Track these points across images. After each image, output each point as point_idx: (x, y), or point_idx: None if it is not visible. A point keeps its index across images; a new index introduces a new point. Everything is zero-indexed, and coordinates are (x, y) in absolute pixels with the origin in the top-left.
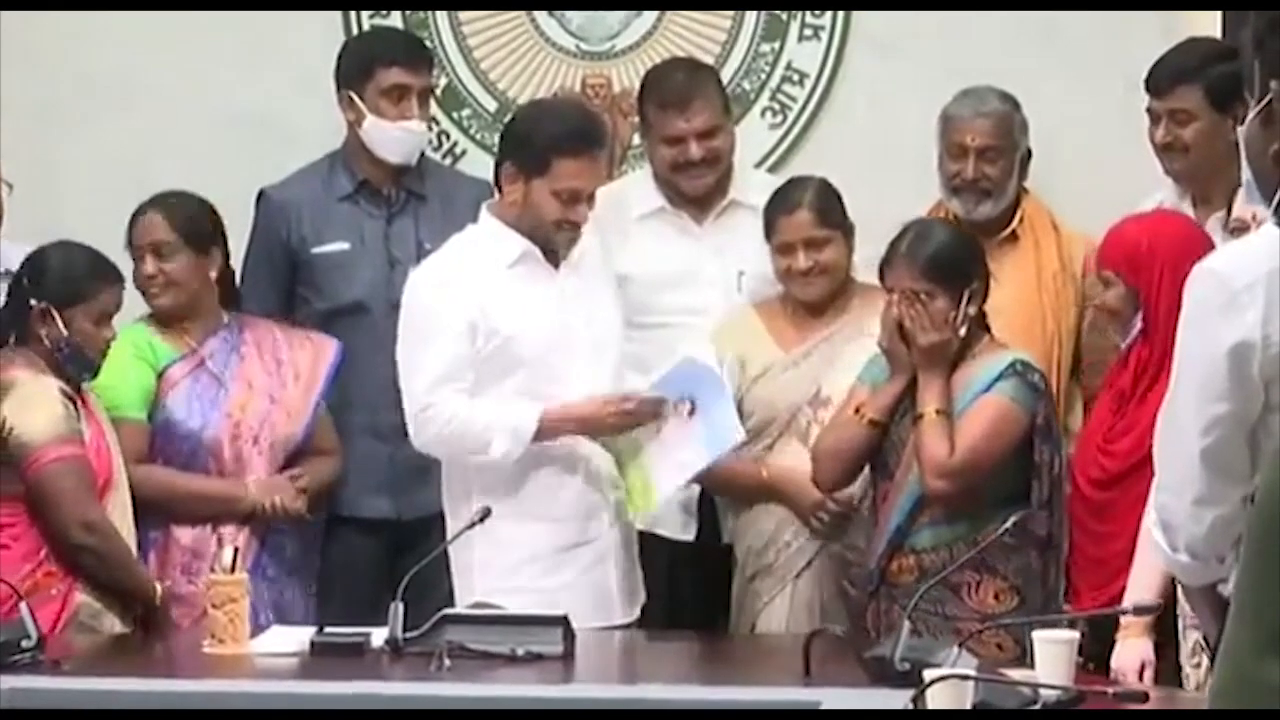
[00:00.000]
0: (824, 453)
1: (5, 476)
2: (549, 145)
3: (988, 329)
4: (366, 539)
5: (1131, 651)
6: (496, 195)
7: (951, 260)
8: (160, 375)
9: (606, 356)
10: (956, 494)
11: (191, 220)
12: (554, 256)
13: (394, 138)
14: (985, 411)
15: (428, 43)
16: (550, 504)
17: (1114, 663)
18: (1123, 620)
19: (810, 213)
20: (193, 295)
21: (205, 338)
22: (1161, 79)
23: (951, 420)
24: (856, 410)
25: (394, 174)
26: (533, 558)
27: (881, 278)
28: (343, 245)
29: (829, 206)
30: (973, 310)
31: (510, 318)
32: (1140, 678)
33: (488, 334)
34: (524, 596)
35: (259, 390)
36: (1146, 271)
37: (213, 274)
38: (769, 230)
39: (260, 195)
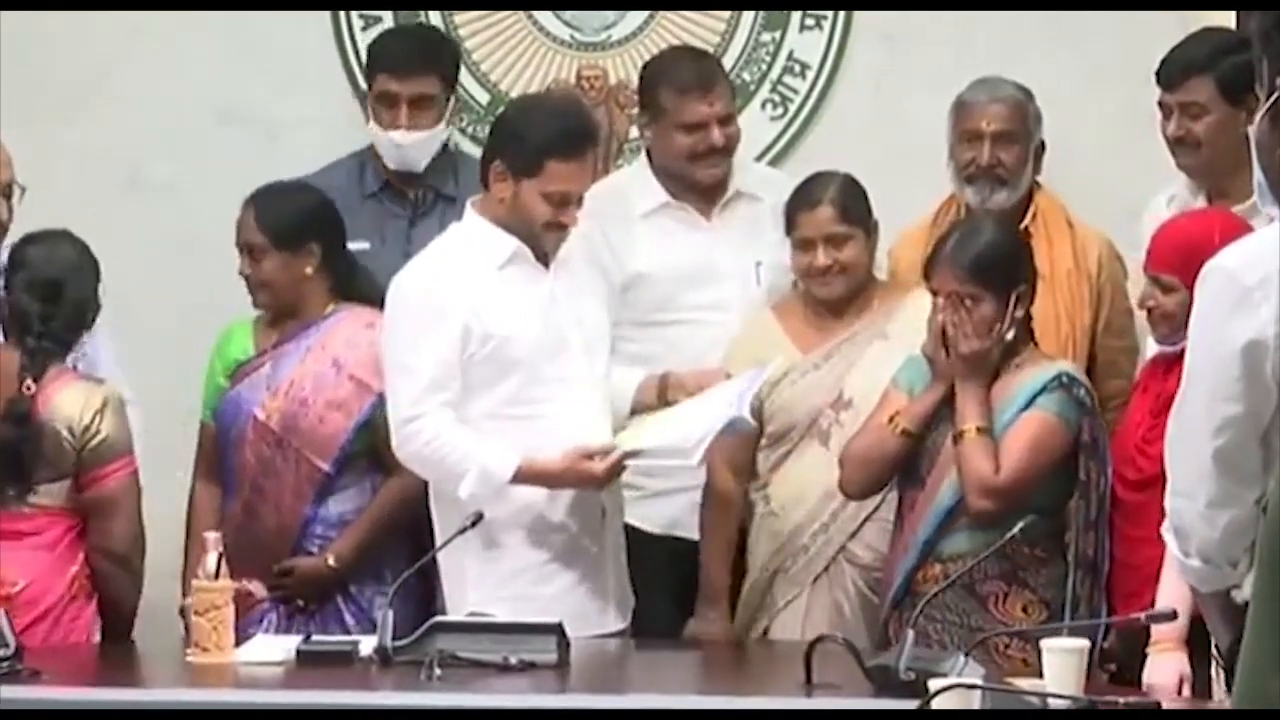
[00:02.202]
0: (854, 459)
1: (56, 488)
2: (542, 147)
3: (1032, 333)
4: None
5: (1166, 666)
6: (471, 203)
7: (998, 261)
8: (232, 375)
9: (598, 357)
10: (1001, 514)
11: (280, 219)
12: (544, 256)
13: (386, 145)
14: (1030, 428)
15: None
16: (544, 511)
17: (1147, 677)
18: (1154, 633)
19: (832, 209)
20: (288, 294)
21: (290, 336)
22: (1172, 71)
23: (993, 436)
24: (891, 419)
25: (413, 176)
26: (527, 567)
27: (927, 278)
28: (363, 244)
29: (852, 203)
30: (1020, 313)
31: (504, 320)
32: (1179, 693)
33: (482, 337)
34: (518, 606)
35: (294, 394)
36: None
37: (308, 270)
38: (789, 225)
39: None
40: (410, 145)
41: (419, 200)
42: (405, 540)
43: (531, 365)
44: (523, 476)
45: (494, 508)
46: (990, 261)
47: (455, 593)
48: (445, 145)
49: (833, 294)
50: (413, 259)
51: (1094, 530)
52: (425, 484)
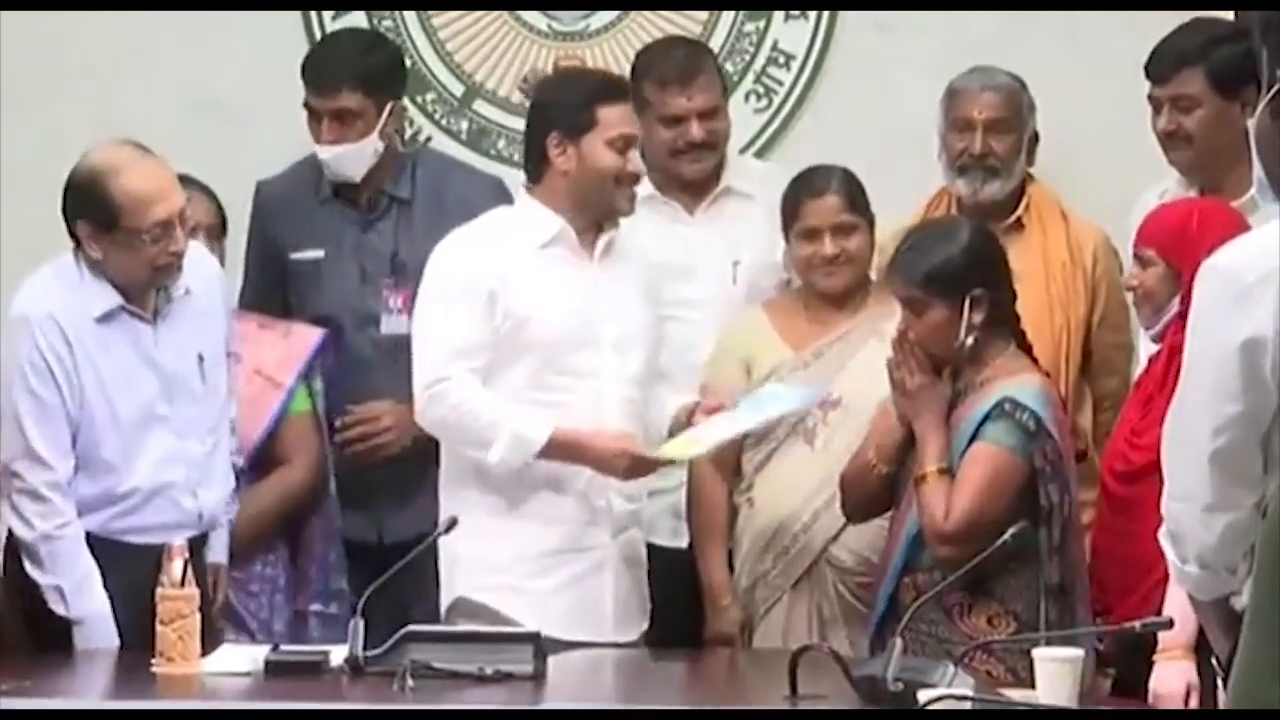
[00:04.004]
0: (847, 488)
1: None
2: (589, 97)
3: (1021, 337)
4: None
5: (1173, 674)
6: (524, 187)
7: (945, 266)
8: None
9: (632, 356)
10: (961, 556)
11: (219, 206)
12: (590, 244)
13: (321, 157)
14: (978, 465)
15: (390, 22)
16: (549, 504)
17: (1153, 685)
18: (1161, 640)
19: (839, 198)
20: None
21: None
22: (1162, 64)
23: (953, 475)
24: (872, 459)
25: (363, 181)
26: (523, 557)
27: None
28: (317, 253)
29: (856, 194)
30: (977, 318)
31: (529, 298)
32: (1185, 703)
33: (505, 312)
34: (510, 596)
35: None
36: (1191, 252)
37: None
38: (791, 215)
39: (256, 189)
40: (335, 159)
41: (371, 205)
42: (284, 532)
43: (550, 352)
44: (555, 446)
45: (499, 494)
46: (937, 267)
47: (446, 578)
48: (402, 146)
49: (837, 285)
50: (456, 229)
51: (1060, 556)
52: (307, 479)
